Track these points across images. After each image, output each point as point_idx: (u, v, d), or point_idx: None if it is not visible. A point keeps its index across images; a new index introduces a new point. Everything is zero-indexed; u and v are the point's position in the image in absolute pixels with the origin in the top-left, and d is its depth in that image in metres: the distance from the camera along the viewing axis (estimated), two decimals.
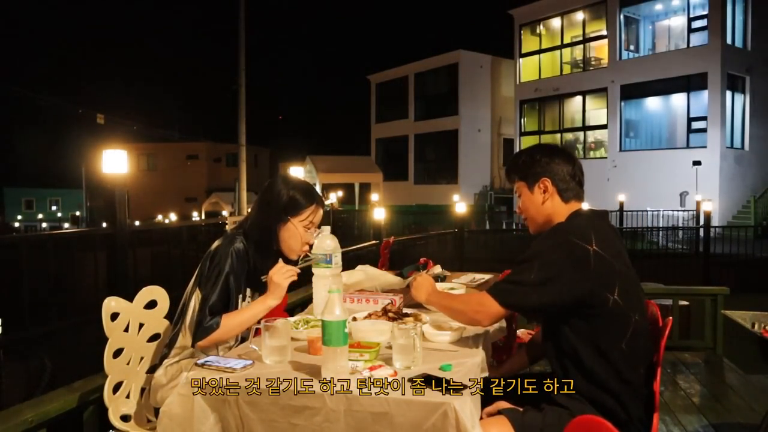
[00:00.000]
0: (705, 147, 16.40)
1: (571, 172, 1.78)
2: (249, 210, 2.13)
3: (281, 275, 1.88)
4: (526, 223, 1.88)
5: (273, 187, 2.03)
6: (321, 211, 2.07)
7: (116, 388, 1.97)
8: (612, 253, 1.61)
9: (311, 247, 2.06)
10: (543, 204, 1.78)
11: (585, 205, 1.83)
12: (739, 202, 16.92)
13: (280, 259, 1.95)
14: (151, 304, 2.11)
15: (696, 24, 17.30)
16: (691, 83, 17.05)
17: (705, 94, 16.64)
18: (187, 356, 1.92)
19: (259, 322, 2.07)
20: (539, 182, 1.78)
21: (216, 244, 1.98)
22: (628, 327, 1.61)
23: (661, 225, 14.82)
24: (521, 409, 1.63)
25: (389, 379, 1.44)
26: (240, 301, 1.95)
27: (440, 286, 2.37)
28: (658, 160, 17.53)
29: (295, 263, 2.03)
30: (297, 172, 6.65)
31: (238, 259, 1.93)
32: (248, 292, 2.00)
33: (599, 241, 1.61)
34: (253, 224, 2.01)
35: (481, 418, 1.50)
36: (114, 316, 1.98)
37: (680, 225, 14.62)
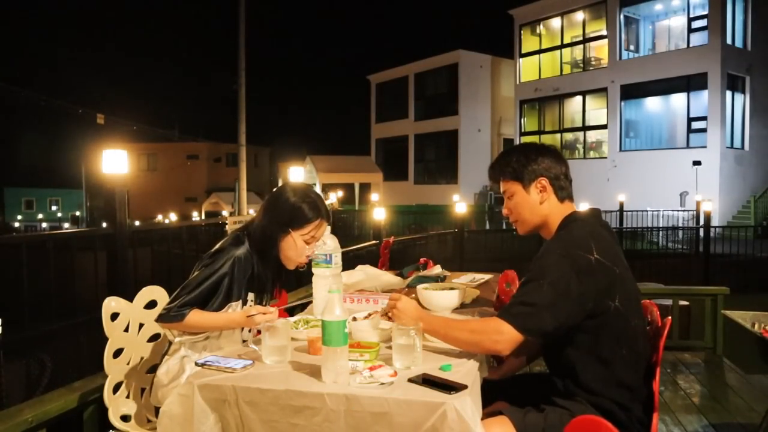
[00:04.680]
0: (705, 147, 16.40)
1: (564, 170, 1.77)
2: (255, 211, 2.09)
3: (262, 318, 1.80)
4: (515, 226, 1.83)
5: (281, 195, 1.99)
6: (325, 226, 2.02)
7: (116, 388, 1.97)
8: (612, 259, 1.60)
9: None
10: (541, 204, 1.75)
11: (583, 205, 1.82)
12: (739, 202, 16.92)
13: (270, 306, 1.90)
14: (151, 304, 2.11)
15: (696, 24, 17.29)
16: (691, 83, 17.05)
17: (705, 94, 16.64)
18: (184, 354, 1.91)
19: None
20: (536, 181, 1.74)
21: (222, 243, 1.97)
22: (628, 332, 1.60)
23: (661, 225, 14.82)
24: (522, 410, 1.63)
25: (389, 379, 1.44)
26: (241, 306, 1.94)
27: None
28: (658, 160, 17.53)
29: (292, 271, 2.04)
30: (297, 172, 6.63)
31: (239, 265, 1.91)
32: (250, 296, 1.99)
33: (599, 249, 1.59)
34: (256, 229, 1.99)
35: (481, 419, 1.50)
36: (114, 316, 1.98)
37: (680, 225, 14.61)
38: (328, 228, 2.06)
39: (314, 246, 2.02)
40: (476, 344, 1.60)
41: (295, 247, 1.97)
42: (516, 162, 1.77)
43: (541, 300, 1.53)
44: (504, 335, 1.54)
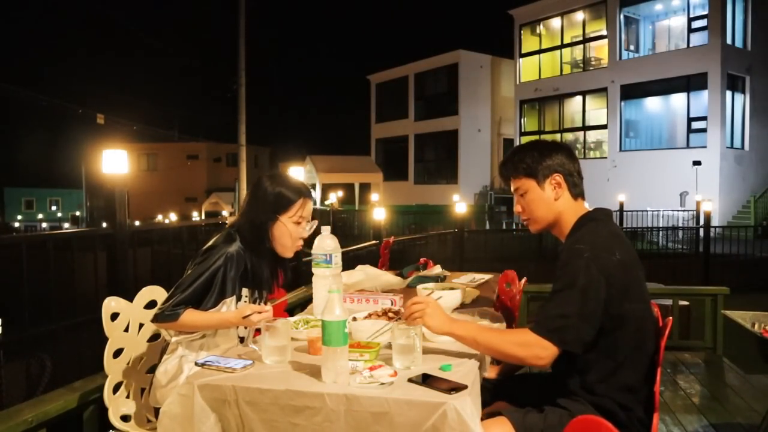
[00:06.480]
0: (705, 147, 16.41)
1: (577, 168, 1.76)
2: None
3: (258, 317, 1.78)
4: (528, 224, 1.81)
5: (260, 186, 2.02)
6: (310, 204, 2.06)
7: (116, 388, 1.97)
8: (633, 260, 1.60)
9: (309, 243, 2.05)
10: (556, 200, 1.72)
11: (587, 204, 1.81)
12: (739, 202, 16.92)
13: (264, 304, 1.90)
14: (151, 304, 2.11)
15: (696, 24, 17.30)
16: (691, 83, 17.05)
17: (705, 94, 16.64)
18: (181, 354, 1.91)
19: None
20: (551, 177, 1.72)
21: (213, 241, 1.97)
22: (643, 334, 1.60)
23: (661, 225, 14.81)
24: (522, 410, 1.63)
25: (389, 379, 1.44)
26: (235, 302, 1.94)
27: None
28: (658, 160, 17.53)
29: (291, 260, 2.04)
30: (297, 172, 6.63)
31: (231, 262, 1.91)
32: (245, 292, 1.99)
33: (622, 250, 1.58)
34: (243, 224, 2.00)
35: (481, 419, 1.50)
36: (114, 316, 1.98)
37: (680, 225, 14.60)
38: (328, 228, 2.06)
39: (306, 225, 2.03)
40: (519, 358, 1.56)
41: (288, 232, 1.99)
42: (530, 158, 1.75)
43: (576, 310, 1.50)
44: (547, 350, 1.51)
